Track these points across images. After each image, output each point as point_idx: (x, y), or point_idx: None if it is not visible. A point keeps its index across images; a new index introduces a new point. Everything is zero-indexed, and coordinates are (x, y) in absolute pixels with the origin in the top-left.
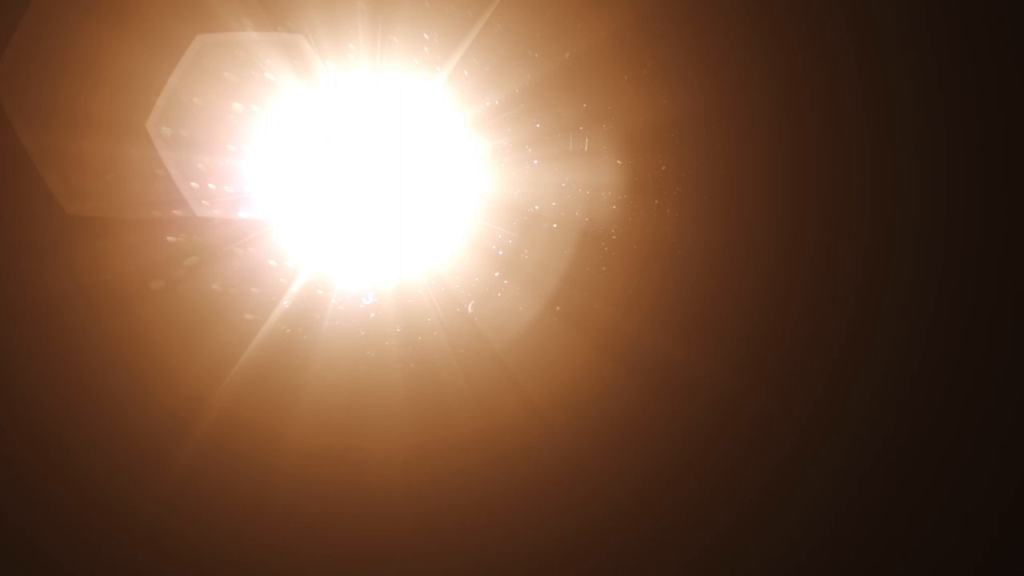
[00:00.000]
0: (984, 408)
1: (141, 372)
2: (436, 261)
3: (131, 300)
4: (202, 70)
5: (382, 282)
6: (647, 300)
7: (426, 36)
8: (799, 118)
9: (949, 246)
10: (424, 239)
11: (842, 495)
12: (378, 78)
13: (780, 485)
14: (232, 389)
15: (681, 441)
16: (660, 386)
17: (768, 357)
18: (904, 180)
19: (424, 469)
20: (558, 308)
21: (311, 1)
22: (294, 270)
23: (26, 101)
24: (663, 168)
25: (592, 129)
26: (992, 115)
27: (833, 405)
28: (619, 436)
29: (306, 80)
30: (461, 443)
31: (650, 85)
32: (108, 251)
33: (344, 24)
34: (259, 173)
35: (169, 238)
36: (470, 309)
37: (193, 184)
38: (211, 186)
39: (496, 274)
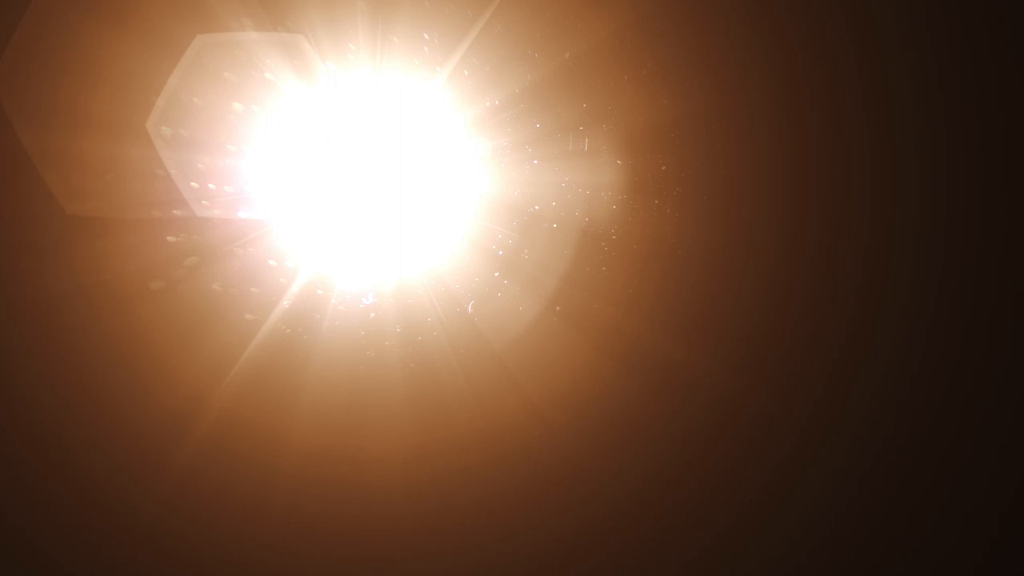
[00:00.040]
0: (984, 408)
1: (141, 372)
2: (436, 261)
3: (131, 300)
4: (202, 70)
5: (382, 282)
6: (647, 300)
7: (426, 36)
8: (799, 118)
9: (949, 246)
10: (424, 239)
11: (842, 495)
12: (378, 78)
13: (780, 485)
14: (232, 389)
15: (681, 441)
16: (660, 386)
17: (768, 357)
18: (904, 180)
19: (424, 469)
20: (558, 308)
21: (311, 1)
22: (294, 270)
23: (26, 101)
24: (663, 168)
25: (592, 129)
26: (992, 115)
27: (833, 405)
28: (619, 436)
29: (306, 80)
30: (461, 443)
31: (650, 85)
32: (108, 251)
33: (344, 24)
34: (259, 173)
35: (169, 238)
36: (470, 309)
37: (193, 184)
38: (211, 186)
39: (496, 274)
